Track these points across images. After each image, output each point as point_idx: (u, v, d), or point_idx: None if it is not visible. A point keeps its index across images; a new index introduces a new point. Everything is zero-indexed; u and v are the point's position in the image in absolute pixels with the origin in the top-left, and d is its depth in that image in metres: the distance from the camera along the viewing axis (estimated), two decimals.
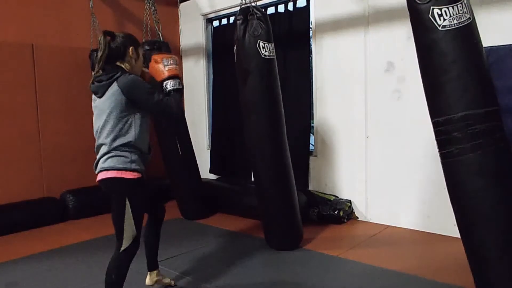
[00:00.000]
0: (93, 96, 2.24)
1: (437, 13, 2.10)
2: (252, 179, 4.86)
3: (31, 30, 4.36)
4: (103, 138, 2.18)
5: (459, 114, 2.11)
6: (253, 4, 3.16)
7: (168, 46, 4.30)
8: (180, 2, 5.67)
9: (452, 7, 2.09)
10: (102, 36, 2.19)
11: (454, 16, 2.09)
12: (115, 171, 2.15)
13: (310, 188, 4.44)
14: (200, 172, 4.66)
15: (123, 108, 2.13)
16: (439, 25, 2.11)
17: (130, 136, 2.16)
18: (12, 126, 4.24)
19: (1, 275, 2.99)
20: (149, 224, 2.60)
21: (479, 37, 2.19)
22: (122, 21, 5.11)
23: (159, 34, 4.48)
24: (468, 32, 2.13)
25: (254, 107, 3.19)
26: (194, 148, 4.56)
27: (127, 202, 2.15)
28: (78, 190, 4.56)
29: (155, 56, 2.34)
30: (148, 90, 2.15)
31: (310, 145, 4.52)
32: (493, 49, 3.02)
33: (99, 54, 2.18)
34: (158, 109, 2.19)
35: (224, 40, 5.21)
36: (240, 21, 3.10)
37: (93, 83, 2.22)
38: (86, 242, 3.68)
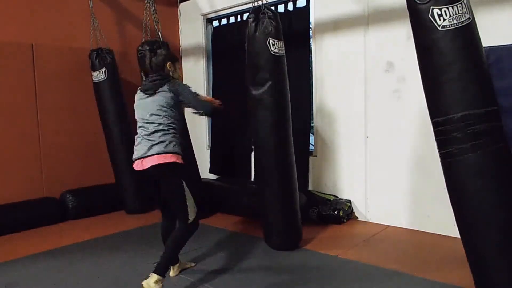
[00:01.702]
0: (141, 93, 2.68)
1: (437, 13, 2.11)
2: (252, 178, 4.88)
3: (31, 30, 4.36)
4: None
5: (459, 114, 2.12)
6: (264, 2, 3.22)
7: (168, 46, 4.30)
8: (180, 2, 5.67)
9: (452, 7, 2.09)
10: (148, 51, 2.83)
11: (454, 16, 2.09)
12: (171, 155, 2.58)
13: (310, 188, 4.44)
14: (200, 172, 4.66)
15: (170, 105, 2.58)
16: (439, 25, 2.11)
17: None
18: (12, 126, 4.24)
19: (1, 275, 2.99)
20: (169, 219, 2.82)
21: (479, 37, 2.19)
22: (122, 21, 5.11)
23: (159, 34, 4.48)
24: (468, 32, 2.14)
25: (262, 103, 3.23)
26: (194, 148, 4.56)
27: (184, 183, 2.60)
28: (78, 190, 4.56)
29: None
30: (193, 91, 2.68)
31: (310, 145, 4.52)
32: (493, 49, 3.02)
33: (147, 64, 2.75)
34: (200, 106, 2.71)
35: (224, 40, 5.21)
36: (251, 19, 3.19)
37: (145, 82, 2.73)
38: (86, 242, 3.68)
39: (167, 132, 2.55)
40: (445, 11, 2.09)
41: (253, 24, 3.17)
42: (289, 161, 3.31)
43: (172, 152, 2.54)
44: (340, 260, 3.10)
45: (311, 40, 4.42)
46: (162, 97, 2.57)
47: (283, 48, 3.26)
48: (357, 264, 3.00)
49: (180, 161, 2.58)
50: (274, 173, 3.27)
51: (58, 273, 3.01)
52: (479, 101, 2.12)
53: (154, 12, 4.52)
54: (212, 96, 5.48)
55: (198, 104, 2.69)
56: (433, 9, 2.11)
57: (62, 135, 4.59)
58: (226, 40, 5.19)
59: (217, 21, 5.39)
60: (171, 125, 2.57)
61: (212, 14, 5.34)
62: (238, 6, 4.90)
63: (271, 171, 3.28)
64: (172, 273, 2.85)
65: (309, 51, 4.44)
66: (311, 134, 4.54)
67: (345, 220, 4.00)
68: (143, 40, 4.48)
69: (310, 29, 4.39)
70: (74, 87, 4.66)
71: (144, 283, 2.44)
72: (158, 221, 4.15)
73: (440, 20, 2.11)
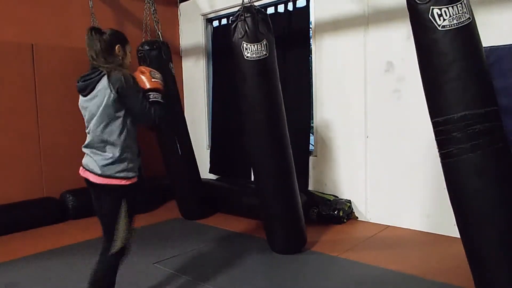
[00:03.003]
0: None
1: (437, 13, 2.10)
2: (252, 179, 4.88)
3: (31, 30, 4.36)
4: None
5: (459, 114, 2.11)
6: (247, 5, 3.16)
7: (168, 46, 4.30)
8: (180, 2, 5.67)
9: (452, 7, 2.09)
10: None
11: (454, 16, 2.09)
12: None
13: (310, 188, 4.44)
14: (200, 172, 4.66)
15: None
16: (439, 25, 2.11)
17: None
18: (12, 126, 4.24)
19: (1, 275, 2.99)
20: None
21: (479, 37, 2.19)
22: (122, 21, 5.11)
23: (159, 34, 4.47)
24: (468, 32, 2.13)
25: (240, 109, 3.25)
26: (194, 148, 4.56)
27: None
28: (78, 190, 4.54)
29: (142, 68, 2.37)
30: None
31: (310, 145, 4.53)
32: (493, 49, 3.02)
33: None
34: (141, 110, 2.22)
35: (224, 40, 5.20)
36: (233, 25, 3.16)
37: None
38: (86, 242, 3.68)
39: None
40: (445, 11, 2.09)
41: (234, 30, 3.14)
42: (270, 172, 3.23)
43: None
44: (339, 260, 3.10)
45: (311, 40, 4.42)
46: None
47: (259, 51, 3.11)
48: (357, 264, 3.00)
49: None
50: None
51: (58, 273, 3.01)
52: (479, 101, 2.12)
53: (154, 12, 4.52)
54: (212, 96, 5.49)
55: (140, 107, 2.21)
56: (433, 9, 2.11)
57: (62, 135, 4.59)
58: (226, 40, 5.18)
59: (217, 21, 5.39)
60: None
61: (212, 14, 5.34)
62: (238, 6, 4.89)
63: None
64: None
65: (309, 51, 4.44)
66: (311, 134, 4.54)
67: (345, 220, 3.99)
68: (143, 40, 4.47)
69: (310, 29, 4.39)
70: (74, 87, 4.61)
71: None
72: (158, 221, 4.17)
73: (440, 20, 2.11)
